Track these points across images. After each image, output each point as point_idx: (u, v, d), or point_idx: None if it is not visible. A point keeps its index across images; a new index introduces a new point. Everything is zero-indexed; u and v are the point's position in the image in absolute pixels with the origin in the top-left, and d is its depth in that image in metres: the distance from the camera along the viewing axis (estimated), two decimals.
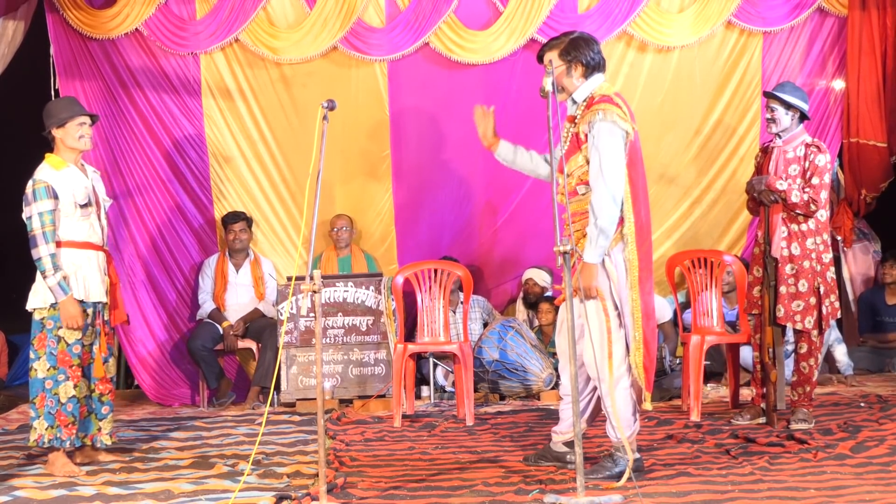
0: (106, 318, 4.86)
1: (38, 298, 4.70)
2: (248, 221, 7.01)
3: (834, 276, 5.34)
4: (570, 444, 4.32)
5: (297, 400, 6.37)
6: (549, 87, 3.98)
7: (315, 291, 3.89)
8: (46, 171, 4.72)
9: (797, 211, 5.21)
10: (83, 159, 4.94)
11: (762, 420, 5.34)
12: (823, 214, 5.27)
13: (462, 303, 6.37)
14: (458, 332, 6.67)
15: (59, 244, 4.67)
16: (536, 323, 7.07)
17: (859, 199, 7.26)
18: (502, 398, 6.52)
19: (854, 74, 7.08)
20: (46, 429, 4.59)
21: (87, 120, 4.86)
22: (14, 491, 4.20)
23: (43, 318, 4.69)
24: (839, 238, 7.28)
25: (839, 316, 5.43)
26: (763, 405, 5.36)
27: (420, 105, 7.17)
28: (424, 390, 6.63)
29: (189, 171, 7.08)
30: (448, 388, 6.68)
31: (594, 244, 4.12)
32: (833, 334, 6.79)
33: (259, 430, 4.36)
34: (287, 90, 7.10)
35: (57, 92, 6.91)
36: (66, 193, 4.68)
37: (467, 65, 7.04)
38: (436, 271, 6.14)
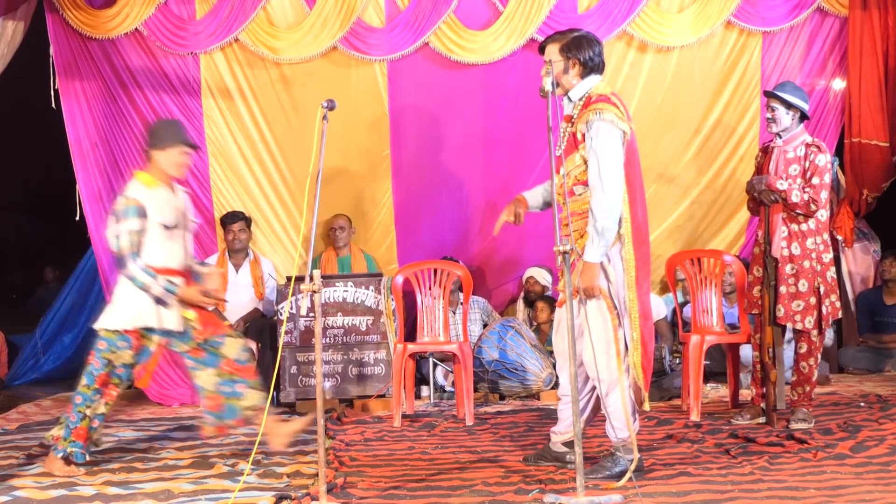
0: (191, 335, 4.68)
1: (108, 320, 4.61)
2: (247, 221, 7.01)
3: (834, 276, 5.34)
4: (569, 444, 4.32)
5: (297, 400, 6.37)
6: (548, 87, 3.99)
7: (315, 291, 3.89)
8: (138, 189, 4.59)
9: (797, 211, 5.21)
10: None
11: (762, 420, 5.34)
12: (823, 214, 5.27)
13: (462, 303, 6.37)
14: (457, 332, 6.67)
15: None
16: (534, 322, 7.07)
17: (861, 199, 7.27)
18: (502, 398, 6.51)
19: (855, 74, 7.08)
20: (63, 439, 4.58)
21: (191, 150, 4.76)
22: (14, 491, 4.20)
23: (102, 336, 4.62)
24: (840, 238, 7.29)
25: (839, 316, 5.43)
26: (763, 405, 5.36)
27: (420, 105, 7.18)
28: (424, 390, 6.63)
29: (189, 171, 7.07)
30: (448, 388, 6.68)
31: (595, 244, 4.12)
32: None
33: (259, 430, 4.36)
34: (287, 90, 7.10)
35: (57, 92, 6.92)
36: (154, 214, 4.57)
37: (467, 65, 7.04)
38: (436, 271, 6.14)
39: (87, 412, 4.59)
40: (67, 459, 4.57)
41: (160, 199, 4.62)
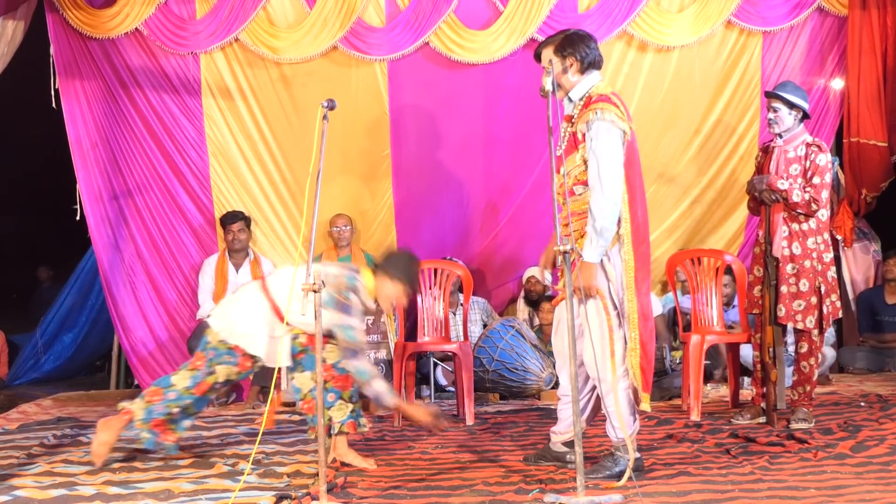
0: (297, 349, 4.68)
1: (230, 330, 4.61)
2: (247, 221, 7.00)
3: (835, 276, 5.34)
4: (569, 443, 4.32)
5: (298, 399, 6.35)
6: (548, 87, 3.98)
7: (315, 291, 3.89)
8: (366, 294, 4.58)
9: (798, 210, 5.22)
10: None
11: (762, 419, 5.34)
12: (824, 214, 5.28)
13: (462, 303, 6.37)
14: (458, 332, 6.67)
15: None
16: (537, 322, 7.07)
17: (860, 199, 7.27)
18: (502, 398, 6.51)
19: (854, 74, 7.08)
20: (142, 421, 4.61)
21: (412, 294, 4.73)
22: (14, 491, 4.19)
23: (212, 343, 4.63)
24: (839, 238, 7.29)
25: (840, 315, 5.43)
26: (763, 405, 5.36)
27: (420, 104, 7.17)
28: (424, 390, 6.63)
29: (189, 171, 7.09)
30: (448, 388, 6.68)
31: (593, 244, 4.11)
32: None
33: (259, 429, 4.36)
34: (287, 90, 7.10)
35: (57, 92, 6.93)
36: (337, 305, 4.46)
37: (467, 64, 7.04)
38: (436, 271, 6.14)
39: (175, 410, 4.64)
40: (133, 440, 4.65)
41: (361, 318, 4.56)
